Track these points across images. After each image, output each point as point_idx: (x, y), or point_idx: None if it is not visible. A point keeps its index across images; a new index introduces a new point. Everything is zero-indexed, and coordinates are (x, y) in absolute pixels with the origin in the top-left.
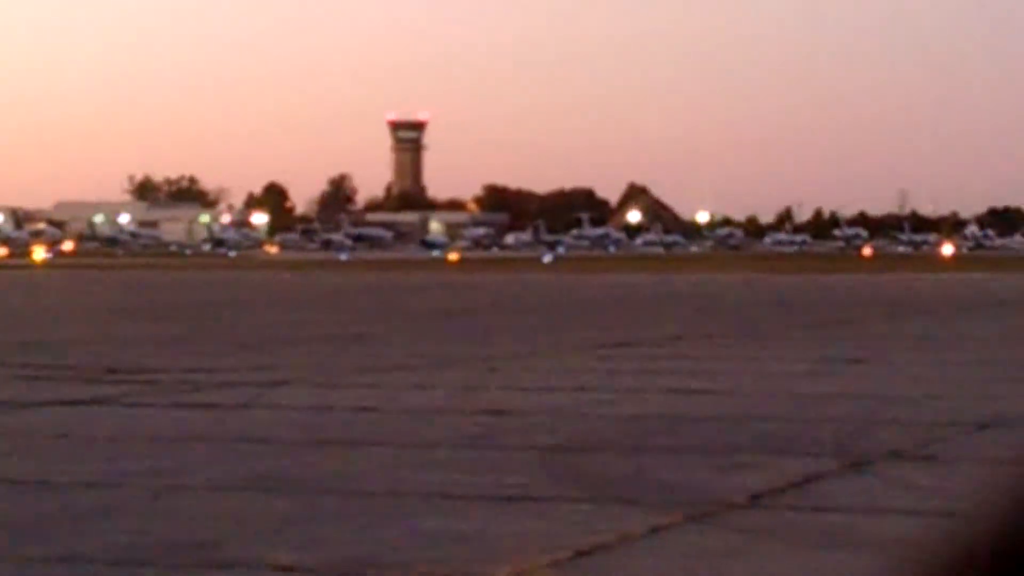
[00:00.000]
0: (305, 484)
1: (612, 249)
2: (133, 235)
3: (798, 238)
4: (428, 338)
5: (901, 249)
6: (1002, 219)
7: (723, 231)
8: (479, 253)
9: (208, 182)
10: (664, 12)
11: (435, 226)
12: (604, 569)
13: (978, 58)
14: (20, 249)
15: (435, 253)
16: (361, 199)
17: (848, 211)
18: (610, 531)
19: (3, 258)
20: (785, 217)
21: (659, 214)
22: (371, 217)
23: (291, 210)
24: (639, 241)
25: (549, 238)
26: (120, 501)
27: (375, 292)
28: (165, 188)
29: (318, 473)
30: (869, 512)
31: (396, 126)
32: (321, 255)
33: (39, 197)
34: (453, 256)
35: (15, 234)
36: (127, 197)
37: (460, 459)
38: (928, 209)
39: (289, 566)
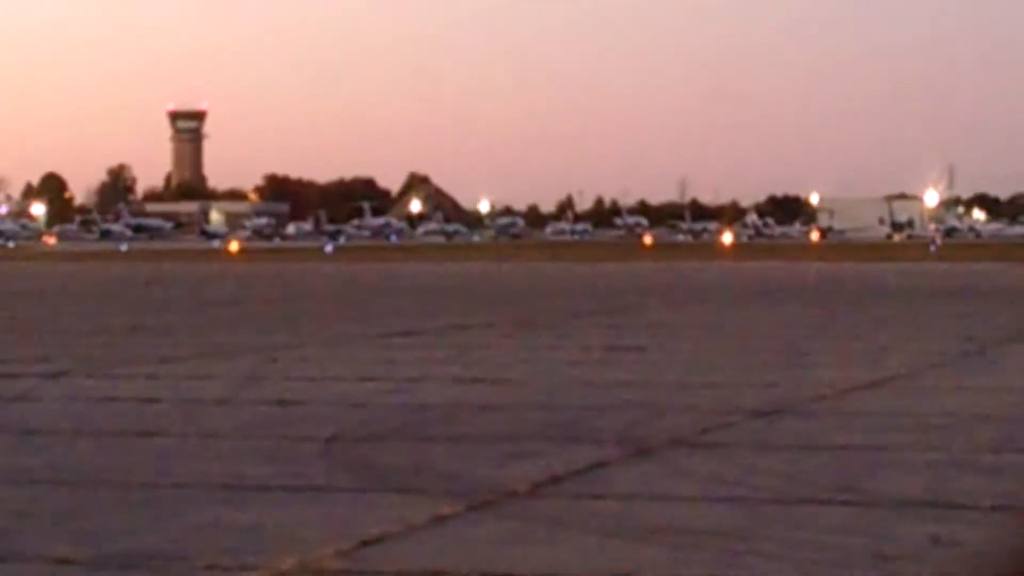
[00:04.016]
0: (84, 476)
1: (393, 239)
2: None
3: (579, 227)
4: (209, 329)
5: (681, 237)
6: (782, 207)
7: (504, 220)
8: (260, 243)
9: None
10: (445, 2)
11: (215, 216)
12: (389, 558)
13: (757, 48)
14: None
15: (215, 243)
16: (141, 189)
17: (629, 200)
18: (394, 521)
19: None
20: (566, 206)
21: (440, 203)
22: (151, 207)
23: (70, 200)
24: (421, 231)
25: (330, 228)
26: None
27: (155, 283)
28: None
29: (97, 465)
30: (651, 499)
31: (175, 116)
32: (100, 246)
33: None
34: (234, 246)
35: None
36: None
37: (242, 450)
38: (708, 197)
39: (68, 559)
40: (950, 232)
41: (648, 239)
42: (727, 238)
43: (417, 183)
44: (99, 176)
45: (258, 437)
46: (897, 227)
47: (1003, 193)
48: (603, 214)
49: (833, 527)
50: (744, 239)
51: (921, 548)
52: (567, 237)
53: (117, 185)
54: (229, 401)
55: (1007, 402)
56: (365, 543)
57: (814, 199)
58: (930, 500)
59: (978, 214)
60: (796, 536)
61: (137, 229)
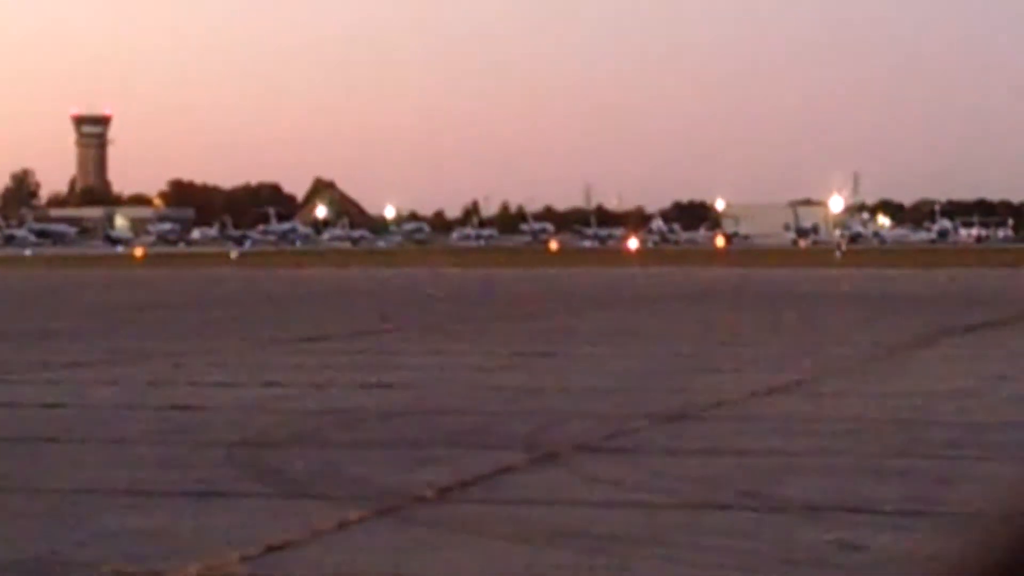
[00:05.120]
0: None
1: (299, 244)
2: None
3: (485, 232)
4: (114, 334)
5: (587, 243)
6: (687, 213)
7: (410, 226)
8: (165, 248)
9: None
10: (351, 6)
11: (120, 222)
12: (295, 564)
13: (660, 55)
14: None
15: (120, 249)
16: (45, 194)
17: (534, 205)
18: (300, 526)
19: None
20: (472, 211)
21: (346, 209)
22: (55, 212)
23: None
24: (326, 236)
25: (235, 233)
26: None
27: (59, 288)
28: None
29: (1, 471)
30: (558, 504)
31: (80, 121)
32: (3, 251)
33: None
34: (139, 252)
35: None
36: None
37: (147, 455)
38: (614, 203)
39: None
40: (855, 238)
41: (554, 245)
42: (633, 244)
43: (322, 189)
44: (2, 181)
45: (163, 443)
46: (802, 233)
47: (907, 199)
48: (509, 220)
49: (738, 531)
50: (650, 245)
51: (826, 552)
52: (473, 243)
53: (21, 190)
54: (134, 406)
55: (910, 406)
56: (271, 548)
57: (719, 205)
58: (835, 504)
59: (883, 220)
60: (701, 541)
61: (41, 235)
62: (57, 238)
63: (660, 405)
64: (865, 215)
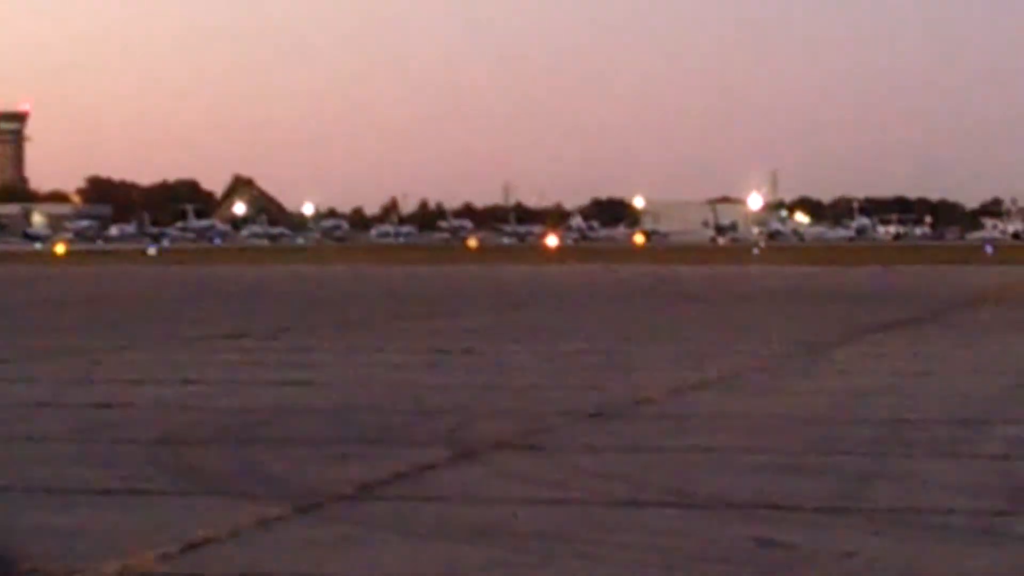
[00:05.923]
0: None
1: (217, 241)
2: None
3: (404, 229)
4: (31, 331)
5: (506, 240)
6: (606, 210)
7: (329, 223)
8: (83, 245)
9: None
10: (268, 2)
11: (37, 218)
12: (214, 562)
13: (578, 52)
14: None
15: (37, 245)
16: None
17: (453, 202)
18: (219, 524)
19: None
20: (391, 208)
21: (265, 206)
22: None
23: None
24: (245, 233)
25: (153, 230)
26: None
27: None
28: None
29: None
30: (478, 501)
31: None
32: None
33: None
34: (59, 248)
35: None
36: None
37: (64, 453)
38: (533, 200)
39: None
40: (774, 235)
41: (473, 242)
42: (551, 241)
43: (241, 185)
44: None
45: (81, 440)
46: (721, 230)
47: (826, 197)
48: (428, 217)
49: (659, 529)
50: (569, 242)
51: (747, 550)
52: (392, 240)
53: None
54: (51, 404)
55: (831, 404)
56: (190, 546)
57: (638, 202)
58: (756, 502)
59: (801, 217)
60: (622, 538)
61: None
62: None
63: (581, 402)
64: (783, 213)
